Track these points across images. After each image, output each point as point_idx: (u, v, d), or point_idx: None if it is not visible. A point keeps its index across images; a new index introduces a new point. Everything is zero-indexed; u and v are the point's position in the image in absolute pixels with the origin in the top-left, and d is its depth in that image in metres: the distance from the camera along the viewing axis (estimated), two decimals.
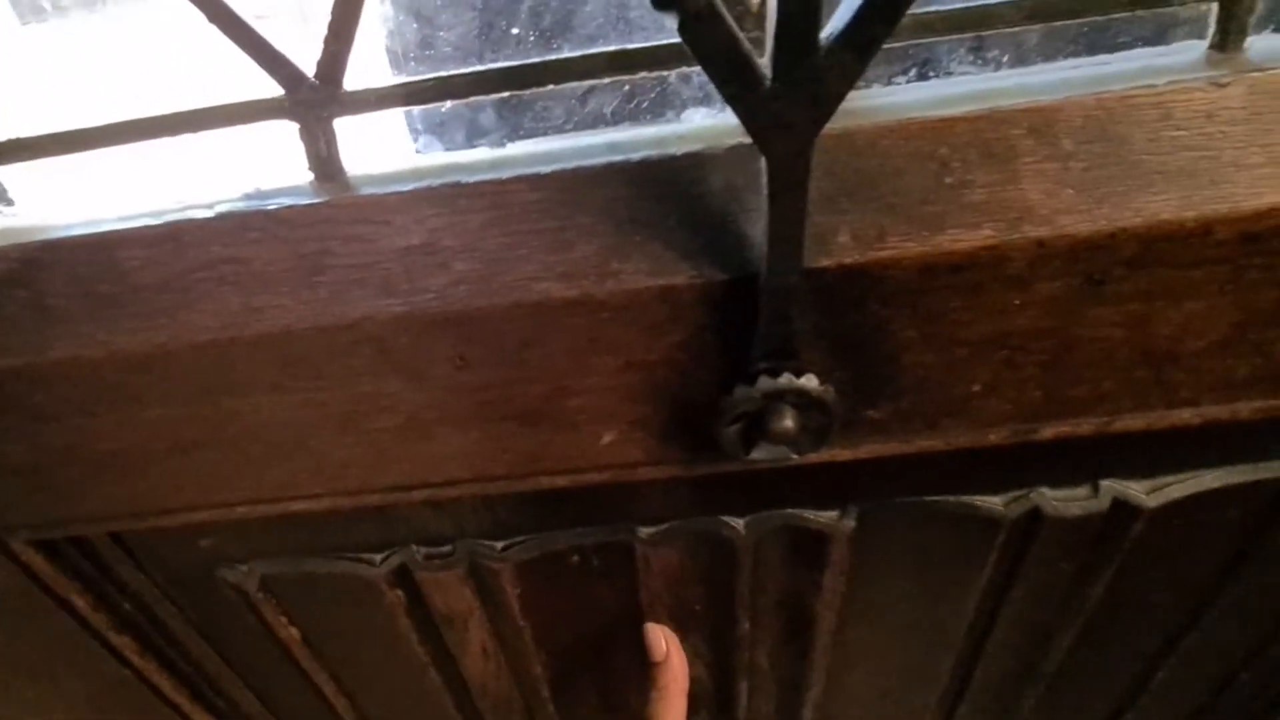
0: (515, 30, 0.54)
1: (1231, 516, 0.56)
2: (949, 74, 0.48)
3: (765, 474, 0.51)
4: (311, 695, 0.72)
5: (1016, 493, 0.54)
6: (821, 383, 0.42)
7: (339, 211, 0.43)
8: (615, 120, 0.52)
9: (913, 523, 0.56)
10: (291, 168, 0.45)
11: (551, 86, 0.44)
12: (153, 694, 0.68)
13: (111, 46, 0.66)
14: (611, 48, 0.43)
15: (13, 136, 0.46)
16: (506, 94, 0.44)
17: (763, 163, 0.34)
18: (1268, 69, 0.40)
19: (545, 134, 0.47)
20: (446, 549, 0.57)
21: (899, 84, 0.46)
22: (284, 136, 0.44)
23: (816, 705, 0.74)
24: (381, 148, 0.51)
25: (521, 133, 0.51)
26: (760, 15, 0.39)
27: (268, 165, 0.46)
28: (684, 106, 0.50)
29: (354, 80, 0.43)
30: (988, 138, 0.40)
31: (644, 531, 0.56)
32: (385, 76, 0.55)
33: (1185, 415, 0.46)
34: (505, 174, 0.43)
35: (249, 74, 0.42)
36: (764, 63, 0.31)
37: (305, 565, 0.58)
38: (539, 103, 0.52)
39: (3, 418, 0.46)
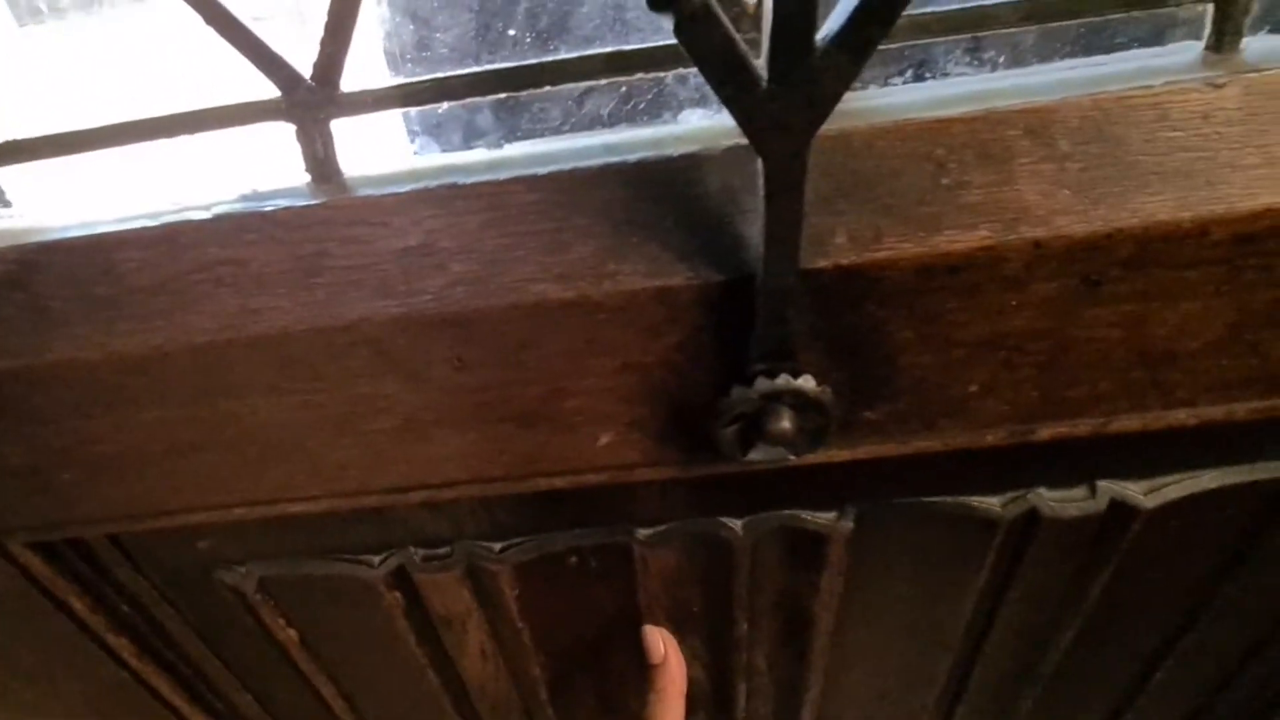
0: (512, 31, 0.54)
1: (1229, 517, 0.56)
2: (945, 75, 0.48)
3: (763, 475, 0.51)
4: (309, 697, 0.72)
5: (1014, 494, 0.54)
6: (818, 384, 0.42)
7: (336, 213, 0.43)
8: (612, 121, 0.52)
9: (910, 524, 0.56)
10: (288, 169, 0.45)
11: (548, 88, 0.44)
12: (151, 696, 0.68)
13: (108, 48, 0.66)
14: (608, 49, 0.43)
15: (10, 138, 0.46)
16: (503, 95, 0.44)
17: (759, 164, 0.34)
18: (1264, 70, 0.40)
19: (542, 135, 0.47)
20: (444, 550, 0.57)
21: (895, 85, 0.46)
22: (281, 138, 0.44)
23: (814, 706, 0.74)
24: (379, 149, 0.51)
25: (518, 134, 0.51)
26: (757, 16, 0.40)
27: (265, 167, 0.46)
28: (681, 108, 0.50)
29: (351, 82, 0.43)
30: (984, 139, 0.40)
31: (642, 533, 0.56)
32: (383, 78, 0.55)
33: (1182, 416, 0.46)
34: (502, 175, 0.43)
35: (246, 75, 0.42)
36: (760, 64, 0.31)
37: (303, 567, 0.58)
38: (536, 104, 0.53)
39: (0, 420, 0.46)
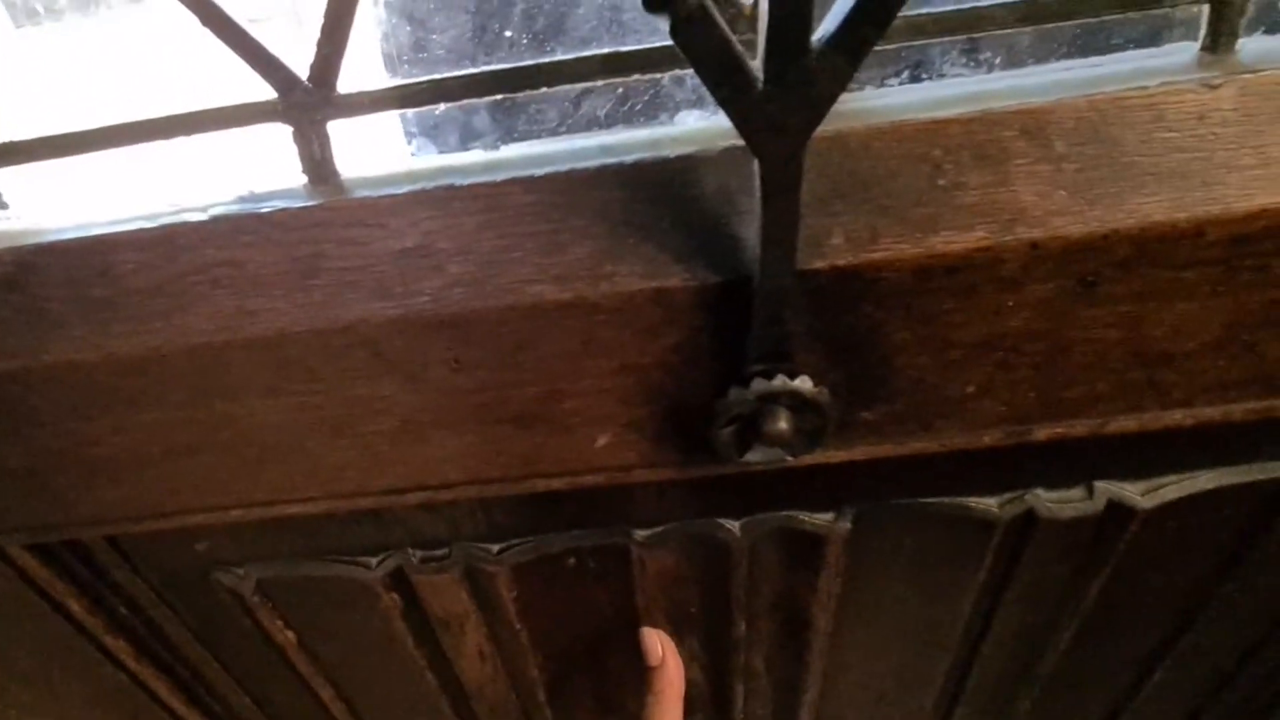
0: (509, 33, 0.54)
1: (1226, 518, 0.56)
2: (941, 76, 0.48)
3: (760, 476, 0.51)
4: (308, 699, 0.72)
5: (1011, 494, 0.55)
6: (815, 385, 0.42)
7: (333, 214, 0.43)
8: (609, 123, 0.52)
9: (908, 524, 0.56)
10: (285, 171, 0.45)
11: (545, 89, 0.44)
12: (148, 698, 0.68)
13: (106, 50, 0.66)
14: (605, 50, 0.43)
15: (7, 140, 0.46)
16: (500, 97, 0.44)
17: (756, 165, 0.34)
18: (1259, 71, 0.40)
19: (539, 137, 0.47)
20: (442, 552, 0.57)
21: (892, 86, 0.46)
22: (278, 139, 0.44)
23: (812, 707, 0.74)
24: (376, 151, 0.51)
25: (515, 135, 0.52)
26: (753, 18, 0.40)
27: (262, 168, 0.46)
28: (677, 109, 0.50)
29: (349, 83, 0.43)
30: (980, 140, 0.40)
31: (639, 534, 0.56)
32: (380, 79, 0.55)
33: (1179, 416, 0.46)
34: (499, 176, 0.43)
35: (243, 77, 0.42)
36: (756, 65, 0.31)
37: (301, 568, 0.58)
38: (533, 105, 0.53)
39: None
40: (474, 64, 0.44)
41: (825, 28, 0.31)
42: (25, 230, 0.46)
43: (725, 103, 0.32)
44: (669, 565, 0.59)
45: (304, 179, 0.46)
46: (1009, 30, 0.42)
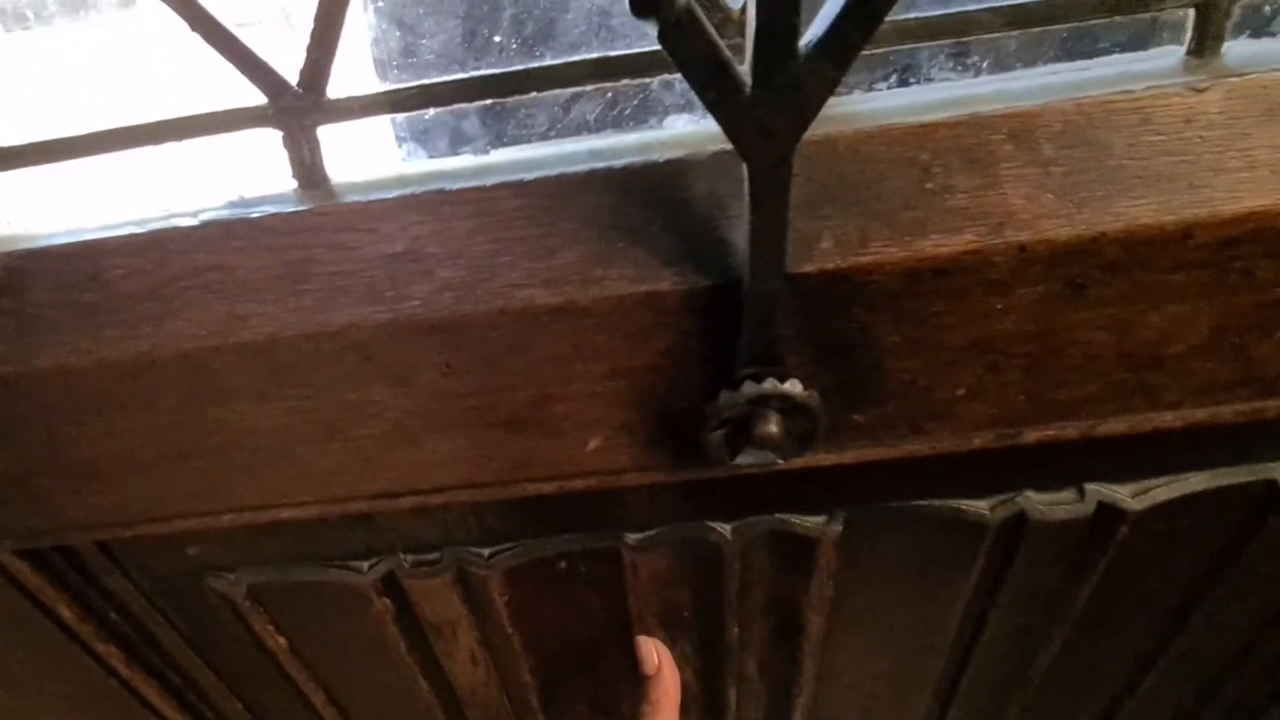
0: (498, 38, 0.54)
1: (1216, 519, 0.56)
2: (929, 80, 0.48)
3: (751, 479, 0.51)
4: (300, 705, 0.72)
5: (1002, 497, 0.55)
6: (806, 388, 0.42)
7: (323, 219, 0.43)
8: (598, 127, 0.52)
9: (899, 527, 0.56)
10: (276, 175, 0.45)
11: (535, 94, 0.44)
12: (140, 704, 0.68)
13: (95, 55, 0.66)
14: (594, 55, 0.43)
15: None
16: (490, 101, 0.44)
17: (744, 169, 0.34)
18: (1245, 74, 0.40)
19: (529, 141, 0.48)
20: (434, 556, 0.57)
21: (880, 90, 0.46)
22: (268, 144, 0.44)
23: (806, 710, 0.74)
24: (367, 155, 0.51)
25: (505, 140, 0.52)
26: (740, 22, 0.40)
27: (252, 173, 0.46)
28: (666, 113, 0.50)
29: (339, 88, 0.43)
30: (968, 143, 0.41)
31: (631, 538, 0.56)
32: (371, 84, 0.55)
33: (1168, 418, 0.46)
34: (489, 181, 0.43)
35: (235, 81, 0.42)
36: (744, 70, 0.31)
37: (293, 573, 0.58)
38: (522, 110, 0.53)
39: None
40: (464, 69, 0.44)
41: (812, 32, 0.31)
42: (15, 235, 0.46)
43: (713, 107, 0.32)
44: (661, 569, 0.59)
45: (294, 184, 0.45)
46: (996, 34, 0.42)
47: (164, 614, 0.63)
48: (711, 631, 0.65)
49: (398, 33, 0.55)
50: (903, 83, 0.48)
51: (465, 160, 0.46)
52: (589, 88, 0.44)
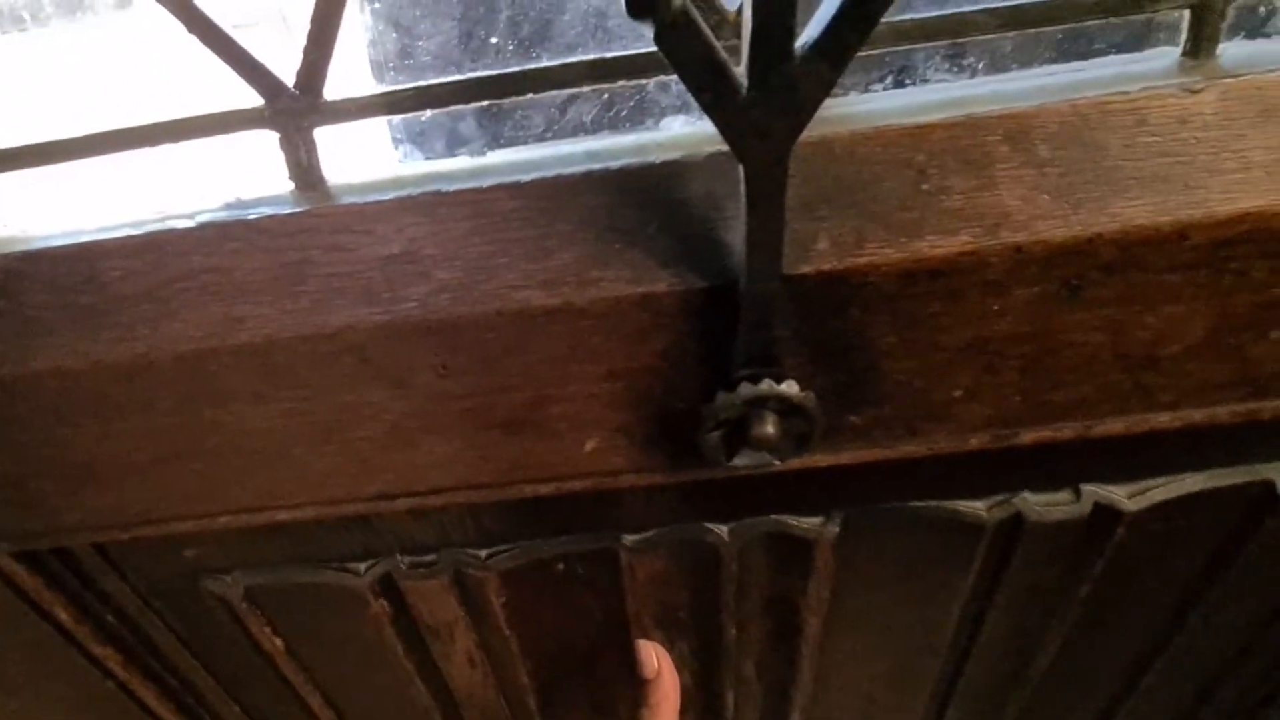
0: (495, 39, 0.54)
1: (1213, 519, 0.56)
2: (925, 81, 0.49)
3: (749, 480, 0.51)
4: (297, 707, 0.72)
5: (999, 498, 0.55)
6: (802, 389, 0.42)
7: (320, 221, 0.43)
8: (594, 128, 0.52)
9: (896, 528, 0.56)
10: (272, 177, 0.45)
11: (531, 95, 0.44)
12: (137, 706, 0.68)
13: (92, 56, 0.66)
14: (590, 56, 0.43)
15: None
16: (486, 103, 0.44)
17: (741, 170, 0.34)
18: (1240, 75, 0.40)
19: (525, 142, 0.48)
20: (430, 558, 0.57)
21: (876, 91, 0.47)
22: (265, 145, 0.44)
23: (803, 712, 0.74)
24: (365, 156, 0.51)
25: (502, 141, 0.52)
26: (736, 24, 0.40)
27: (249, 174, 0.46)
28: (663, 114, 0.50)
29: (336, 89, 0.43)
30: (964, 144, 0.41)
31: (628, 539, 0.56)
32: (368, 85, 0.55)
33: (1165, 419, 0.46)
34: (485, 182, 0.43)
35: (231, 82, 0.42)
36: (740, 71, 0.31)
37: (289, 575, 0.58)
38: (519, 111, 0.53)
39: None
40: (460, 70, 0.44)
41: (808, 34, 0.31)
42: (12, 238, 0.46)
43: (709, 108, 0.32)
44: (658, 570, 0.59)
45: (291, 185, 0.46)
46: (992, 36, 0.42)
47: (161, 616, 0.63)
48: (709, 633, 0.65)
49: (394, 34, 0.55)
50: (898, 84, 0.48)
51: (462, 162, 0.46)
52: (585, 89, 0.44)
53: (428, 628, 0.63)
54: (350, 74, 0.50)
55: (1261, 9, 0.44)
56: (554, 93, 0.44)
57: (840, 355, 0.43)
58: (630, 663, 0.62)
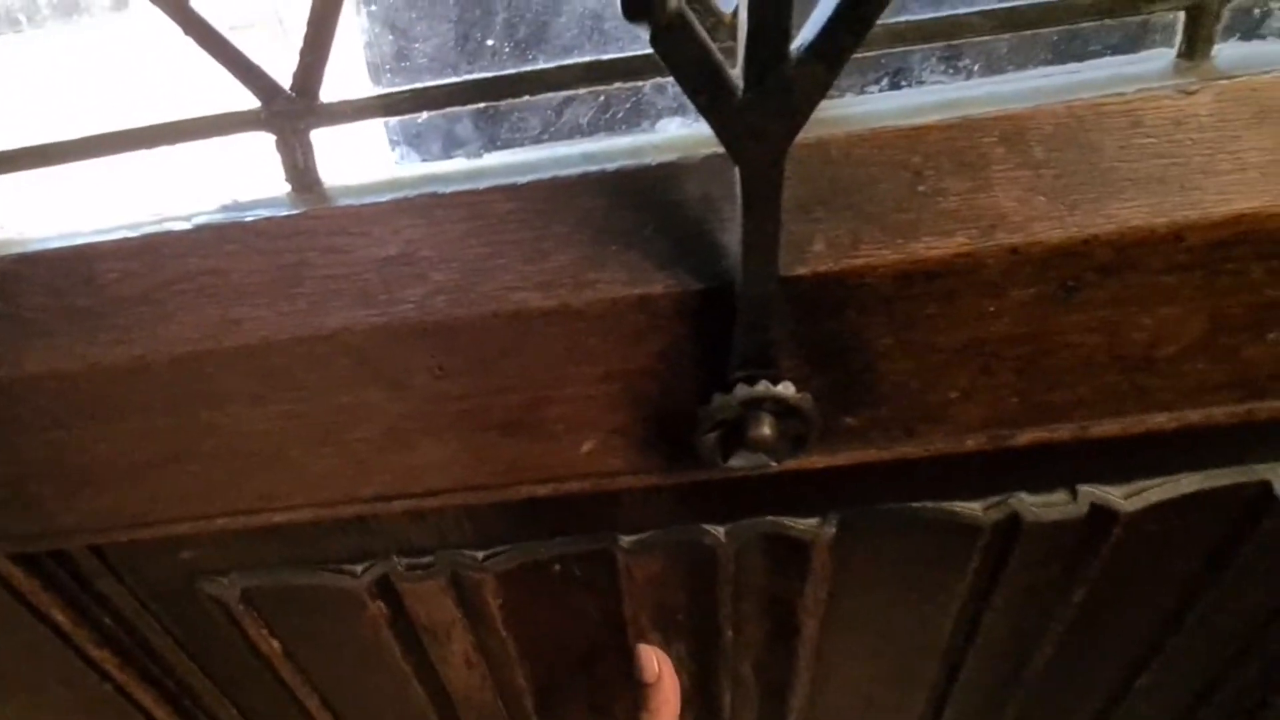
0: (491, 42, 0.54)
1: (1209, 520, 0.56)
2: (921, 83, 0.49)
3: (745, 482, 0.51)
4: (294, 709, 0.72)
5: (995, 498, 0.55)
6: (799, 390, 0.42)
7: (316, 223, 0.43)
8: (591, 130, 0.52)
9: (893, 529, 0.56)
10: (269, 179, 0.45)
11: (527, 97, 0.44)
12: (134, 709, 0.68)
13: (88, 58, 0.66)
14: (586, 59, 0.43)
15: None
16: (483, 105, 0.45)
17: (737, 172, 0.34)
18: (1235, 76, 0.40)
19: (522, 144, 0.48)
20: (427, 560, 0.57)
21: (872, 93, 0.47)
22: (261, 148, 0.44)
23: (801, 712, 0.74)
24: (362, 158, 0.51)
25: (498, 143, 0.52)
26: (732, 26, 0.40)
27: (246, 176, 0.46)
28: (659, 116, 0.50)
29: (333, 91, 0.43)
30: (960, 146, 0.41)
31: (625, 540, 0.56)
32: (365, 87, 0.55)
33: (1161, 420, 0.46)
34: (482, 184, 0.43)
35: (229, 83, 0.42)
36: (736, 73, 0.31)
37: (286, 577, 0.58)
38: (515, 113, 0.53)
39: None
40: (457, 72, 0.44)
41: (804, 35, 0.31)
42: (8, 240, 0.46)
43: (705, 110, 0.32)
44: (655, 571, 0.59)
45: (287, 187, 0.46)
46: (988, 37, 0.42)
47: (158, 618, 0.62)
48: (706, 634, 0.65)
49: (390, 36, 0.55)
50: (894, 85, 0.48)
51: (458, 164, 0.46)
52: (581, 91, 0.44)
53: (425, 629, 0.63)
54: (347, 76, 0.50)
55: (1256, 10, 0.44)
56: (550, 95, 0.44)
57: (836, 356, 0.43)
58: (627, 664, 0.62)
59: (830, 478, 0.49)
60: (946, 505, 0.54)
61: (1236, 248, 0.39)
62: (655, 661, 0.61)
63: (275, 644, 0.64)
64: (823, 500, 0.55)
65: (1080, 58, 0.45)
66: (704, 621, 0.63)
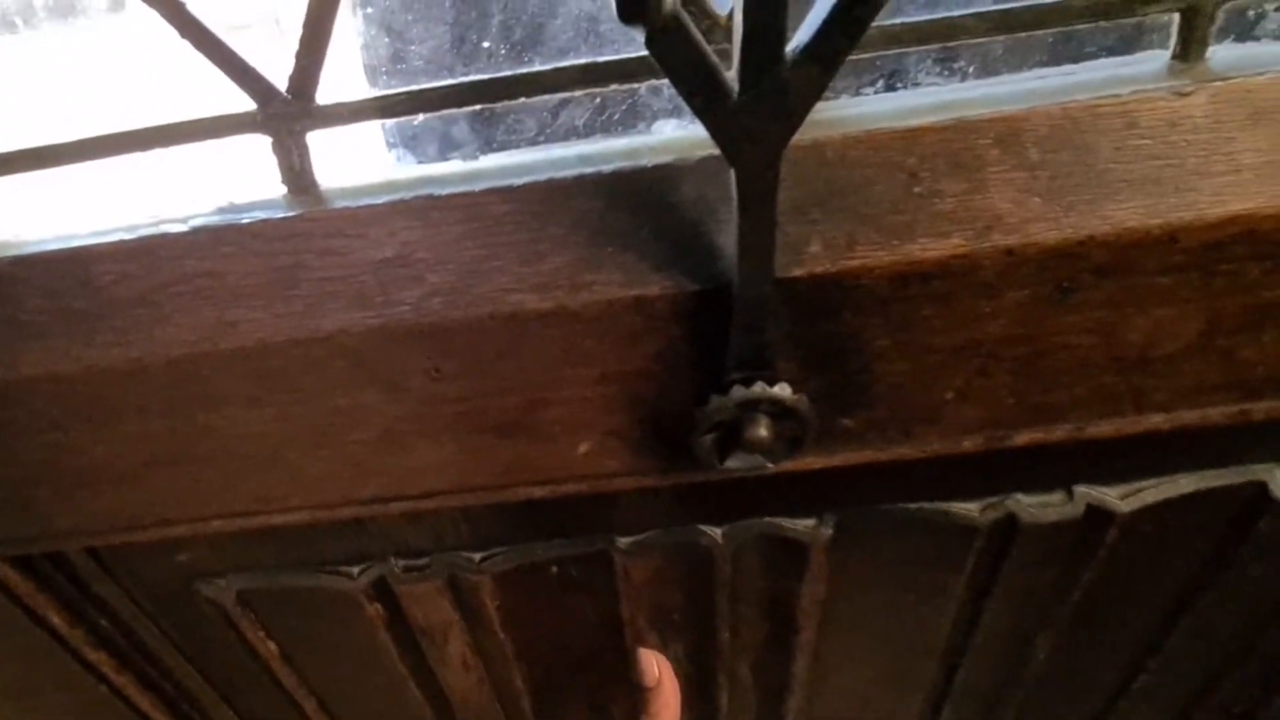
0: (487, 44, 0.54)
1: (1205, 520, 0.56)
2: (916, 85, 0.49)
3: (742, 483, 0.51)
4: (291, 712, 0.72)
5: (992, 499, 0.55)
6: (795, 391, 0.42)
7: (313, 225, 0.43)
8: (587, 132, 0.52)
9: (890, 530, 0.56)
10: (265, 181, 0.45)
11: (523, 99, 0.44)
12: (131, 711, 0.68)
13: (84, 60, 0.66)
14: (582, 61, 0.43)
15: None
16: (479, 107, 0.45)
17: (732, 174, 0.34)
18: (1229, 78, 0.40)
19: (518, 146, 0.48)
20: (424, 561, 0.57)
21: (867, 95, 0.47)
22: (257, 150, 0.44)
23: (798, 713, 0.74)
24: (358, 160, 0.51)
25: (494, 145, 0.52)
26: (727, 28, 0.40)
27: (242, 178, 0.46)
28: (655, 118, 0.50)
29: (329, 93, 0.43)
30: (956, 147, 0.41)
31: (623, 541, 0.56)
32: (361, 89, 0.55)
33: (1157, 420, 0.46)
34: (478, 186, 0.43)
35: (225, 85, 0.42)
36: (731, 75, 0.31)
37: (283, 579, 0.58)
38: (511, 115, 0.53)
39: None
40: (453, 74, 0.44)
41: (799, 38, 0.31)
42: (5, 242, 0.46)
43: (700, 112, 0.32)
44: (652, 572, 0.59)
45: (284, 189, 0.46)
46: (983, 39, 0.42)
47: (154, 621, 0.62)
48: (703, 635, 0.65)
49: (387, 38, 0.55)
50: (890, 87, 0.48)
51: (454, 165, 0.46)
52: (577, 93, 0.44)
53: (422, 631, 0.62)
54: (343, 78, 0.50)
55: (1250, 12, 0.44)
56: (546, 97, 0.44)
57: (833, 358, 0.43)
58: (625, 665, 0.62)
59: (827, 479, 0.49)
60: (943, 506, 0.54)
61: (1231, 249, 0.39)
62: (655, 666, 0.61)
63: (272, 646, 0.64)
64: (819, 501, 0.55)
65: (1075, 59, 0.45)
66: (701, 622, 0.63)
